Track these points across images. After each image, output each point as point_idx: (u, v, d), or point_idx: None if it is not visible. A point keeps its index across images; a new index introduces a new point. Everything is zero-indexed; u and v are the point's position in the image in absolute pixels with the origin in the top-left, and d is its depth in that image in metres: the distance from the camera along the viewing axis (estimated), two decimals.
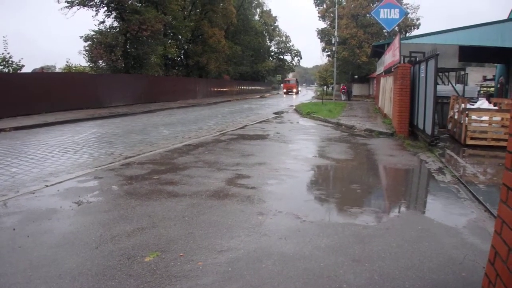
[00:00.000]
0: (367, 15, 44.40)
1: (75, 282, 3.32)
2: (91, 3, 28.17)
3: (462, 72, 20.05)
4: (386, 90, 18.40)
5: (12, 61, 20.50)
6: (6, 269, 3.57)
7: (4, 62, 20.21)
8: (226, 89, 52.59)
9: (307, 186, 6.78)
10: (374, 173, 8.13)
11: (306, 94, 70.29)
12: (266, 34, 74.00)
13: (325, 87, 72.61)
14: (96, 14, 29.25)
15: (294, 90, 69.85)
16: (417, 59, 12.58)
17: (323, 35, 54.24)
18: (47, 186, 6.38)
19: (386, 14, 22.95)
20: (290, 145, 10.92)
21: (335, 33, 41.01)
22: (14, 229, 4.52)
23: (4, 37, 20.60)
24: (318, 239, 4.26)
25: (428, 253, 3.93)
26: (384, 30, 38.73)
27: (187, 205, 5.37)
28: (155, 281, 3.34)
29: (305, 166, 8.18)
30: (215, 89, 47.47)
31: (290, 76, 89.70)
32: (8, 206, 5.35)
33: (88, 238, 4.24)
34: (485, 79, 34.08)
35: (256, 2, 71.49)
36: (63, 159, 8.86)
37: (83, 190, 6.18)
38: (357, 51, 46.57)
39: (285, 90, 70.26)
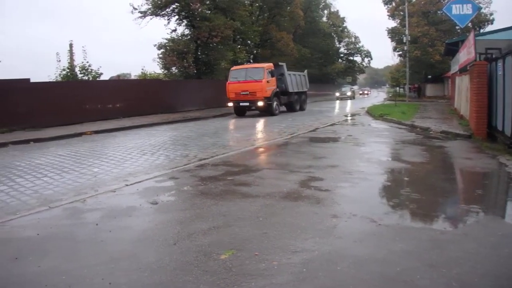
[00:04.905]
0: (438, 11, 42.22)
1: (154, 275, 3.45)
2: (163, 13, 29.39)
3: None
4: (462, 90, 17.41)
5: (91, 69, 21.85)
6: (89, 260, 3.80)
7: (84, 70, 21.59)
8: None
9: (382, 189, 6.56)
10: (451, 176, 7.72)
11: (378, 96, 68.25)
12: (334, 36, 72.95)
13: (397, 88, 63.40)
14: (168, 22, 30.57)
15: (260, 103, 21.54)
16: (493, 56, 11.78)
17: (394, 34, 52.49)
18: (127, 185, 6.72)
19: (459, 10, 21.75)
20: (362, 148, 10.65)
21: (406, 32, 39.50)
22: (96, 224, 4.81)
23: (83, 46, 22.07)
24: (393, 243, 4.10)
25: (508, 261, 3.67)
26: (457, 27, 36.74)
27: (261, 205, 5.39)
28: (230, 278, 3.37)
29: (379, 169, 7.92)
30: None
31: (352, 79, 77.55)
32: (91, 203, 5.69)
33: (166, 235, 4.40)
34: None
35: (323, 4, 70.68)
36: (141, 160, 9.28)
37: (161, 189, 6.43)
38: (429, 49, 44.47)
39: (230, 104, 22.70)
